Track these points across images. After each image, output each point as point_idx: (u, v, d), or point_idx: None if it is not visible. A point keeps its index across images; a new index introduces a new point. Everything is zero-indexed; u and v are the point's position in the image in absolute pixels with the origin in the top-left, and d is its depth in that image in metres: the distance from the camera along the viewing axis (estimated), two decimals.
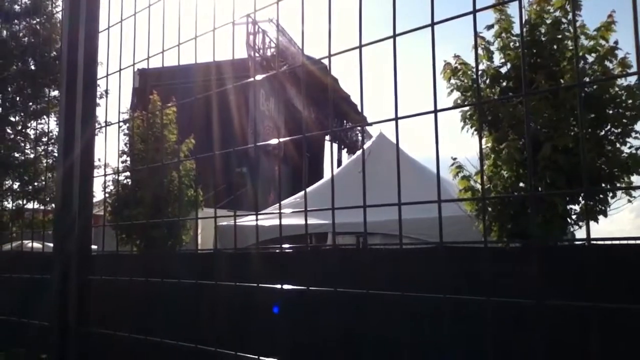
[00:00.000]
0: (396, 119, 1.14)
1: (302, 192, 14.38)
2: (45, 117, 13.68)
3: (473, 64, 6.39)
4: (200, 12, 1.72)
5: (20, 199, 13.57)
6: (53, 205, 1.92)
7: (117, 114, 2.06)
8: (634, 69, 1.70)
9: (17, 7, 14.05)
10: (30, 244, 7.40)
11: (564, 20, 6.00)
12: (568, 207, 5.83)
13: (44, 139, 13.42)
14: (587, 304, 0.90)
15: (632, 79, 5.72)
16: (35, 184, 12.70)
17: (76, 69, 1.82)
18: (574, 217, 5.92)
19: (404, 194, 1.20)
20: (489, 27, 6.31)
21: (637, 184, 6.09)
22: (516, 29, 6.20)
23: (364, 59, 1.24)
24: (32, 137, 14.04)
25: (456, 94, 6.43)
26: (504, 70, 6.32)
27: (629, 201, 5.74)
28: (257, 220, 1.68)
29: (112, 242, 9.68)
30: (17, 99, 14.49)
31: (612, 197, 5.76)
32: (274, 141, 1.59)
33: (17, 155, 13.76)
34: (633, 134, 5.72)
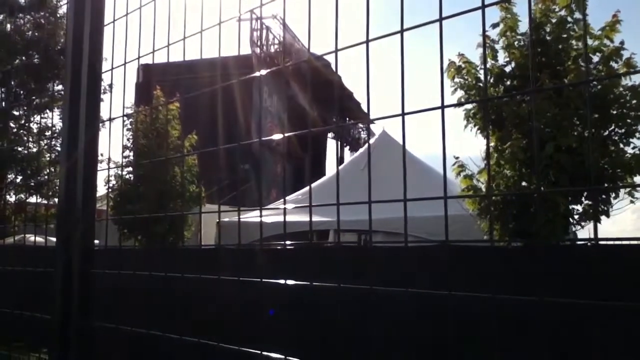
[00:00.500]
0: (403, 114, 1.13)
1: (304, 190, 14.37)
2: (48, 111, 13.71)
3: (476, 62, 6.37)
4: (205, 7, 1.72)
5: (23, 193, 13.62)
6: (56, 199, 1.92)
7: (120, 109, 2.05)
8: None
9: (22, 1, 14.05)
10: (32, 238, 7.41)
11: (569, 19, 5.97)
12: (570, 207, 5.81)
13: (47, 133, 13.46)
14: (592, 303, 0.90)
15: (636, 79, 5.69)
16: (38, 178, 12.73)
17: (81, 63, 1.82)
18: (576, 217, 5.90)
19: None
20: (495, 25, 6.29)
21: None
22: (521, 28, 6.19)
23: (369, 57, 1.23)
24: (35, 131, 14.07)
25: (460, 93, 6.42)
26: (508, 69, 6.30)
27: (632, 202, 5.72)
28: (261, 215, 1.70)
29: (114, 238, 9.69)
30: (21, 92, 14.51)
31: (615, 198, 5.74)
32: (279, 136, 1.58)
33: (19, 149, 13.80)
34: (637, 135, 5.70)
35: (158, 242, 10.04)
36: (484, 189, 6.26)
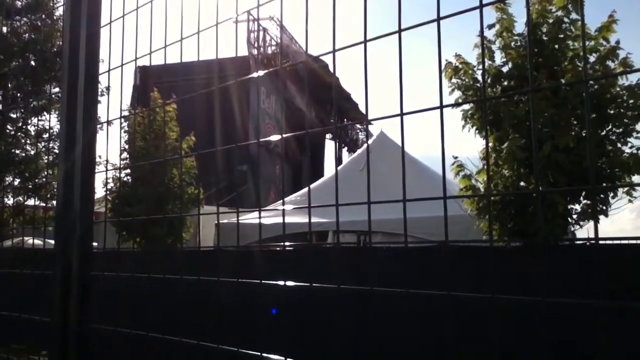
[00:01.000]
0: (401, 114, 1.13)
1: (303, 191, 14.36)
2: (45, 113, 13.69)
3: (473, 63, 6.38)
4: (202, 9, 1.72)
5: (21, 196, 13.60)
6: (54, 202, 1.91)
7: (117, 111, 2.05)
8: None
9: (18, 3, 14.04)
10: (30, 241, 7.40)
11: (565, 19, 5.99)
12: (569, 206, 5.81)
13: (45, 136, 13.44)
14: (594, 303, 0.89)
15: (633, 79, 5.70)
16: (36, 180, 12.71)
17: (78, 65, 1.81)
18: (574, 216, 5.90)
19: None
20: (490, 26, 6.30)
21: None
22: (517, 28, 6.20)
23: (366, 57, 1.23)
24: (33, 133, 14.05)
25: (457, 93, 6.43)
26: (505, 69, 6.31)
27: (630, 201, 5.73)
28: (260, 216, 1.68)
29: (112, 240, 9.69)
30: (18, 95, 14.49)
31: (613, 197, 5.74)
32: (277, 137, 1.57)
33: (17, 151, 13.77)
34: (634, 134, 5.71)
35: (157, 244, 10.03)
36: (482, 189, 6.26)
